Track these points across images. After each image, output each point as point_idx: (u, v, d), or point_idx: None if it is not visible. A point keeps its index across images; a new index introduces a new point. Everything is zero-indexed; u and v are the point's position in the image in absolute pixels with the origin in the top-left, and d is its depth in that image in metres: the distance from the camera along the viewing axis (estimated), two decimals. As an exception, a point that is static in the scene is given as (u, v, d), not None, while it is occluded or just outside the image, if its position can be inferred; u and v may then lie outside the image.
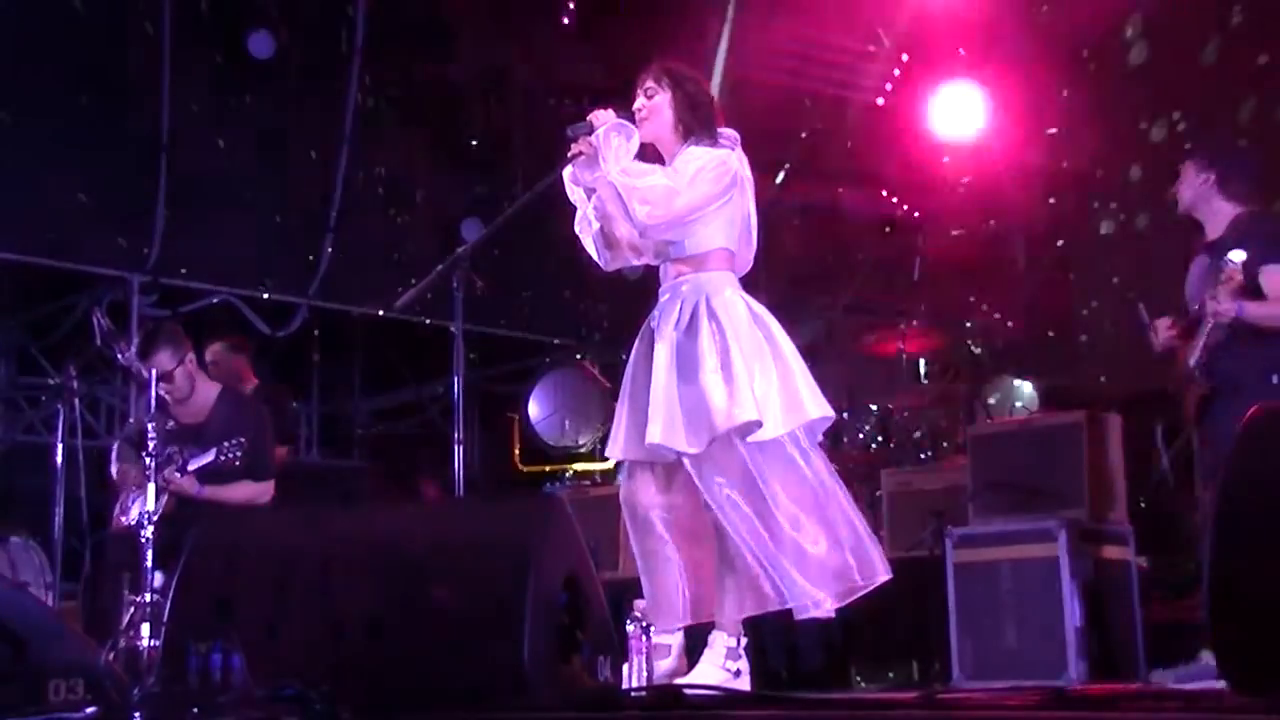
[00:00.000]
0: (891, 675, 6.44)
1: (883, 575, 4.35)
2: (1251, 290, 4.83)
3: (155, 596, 5.28)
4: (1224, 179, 5.05)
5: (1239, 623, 2.84)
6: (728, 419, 4.18)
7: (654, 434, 4.21)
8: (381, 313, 9.49)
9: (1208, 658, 5.03)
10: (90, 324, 6.12)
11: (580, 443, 9.09)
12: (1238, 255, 4.75)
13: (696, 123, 4.41)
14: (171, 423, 5.96)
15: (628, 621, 4.06)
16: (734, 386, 4.19)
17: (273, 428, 6.49)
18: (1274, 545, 2.83)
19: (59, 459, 6.10)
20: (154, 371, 5.74)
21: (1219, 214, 5.05)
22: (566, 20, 9.58)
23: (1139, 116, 8.77)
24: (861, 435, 7.95)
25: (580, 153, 4.40)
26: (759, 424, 4.21)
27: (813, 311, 9.23)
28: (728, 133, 4.46)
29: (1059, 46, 8.90)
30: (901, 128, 9.64)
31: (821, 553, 4.31)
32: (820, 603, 4.32)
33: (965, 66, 9.43)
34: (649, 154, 4.46)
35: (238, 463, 5.71)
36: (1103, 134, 8.95)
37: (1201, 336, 4.94)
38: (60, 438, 6.11)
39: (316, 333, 9.87)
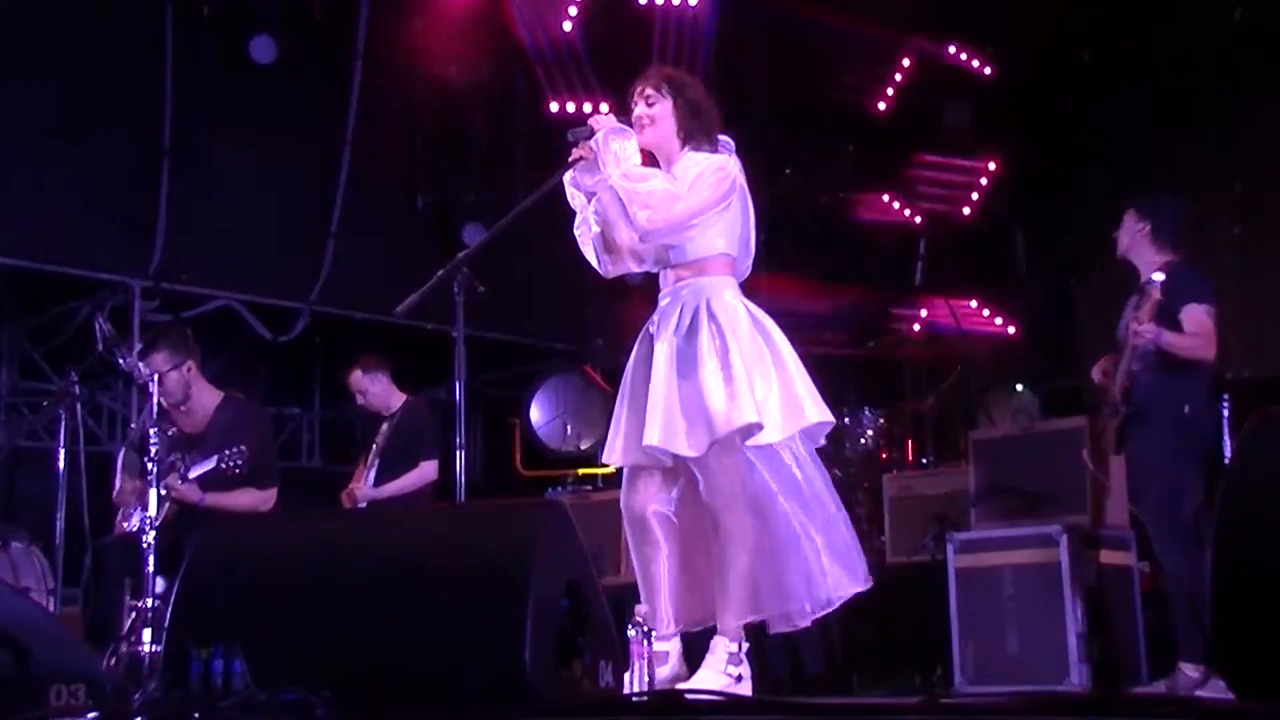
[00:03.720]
0: (893, 680, 6.43)
1: (862, 585, 4.38)
2: (1172, 326, 5.19)
3: (157, 602, 5.28)
4: (1156, 229, 5.42)
5: (1243, 628, 2.84)
6: (727, 422, 4.17)
7: (652, 437, 4.21)
8: (383, 318, 9.47)
9: (1188, 669, 5.06)
10: (92, 329, 6.12)
11: (582, 448, 9.07)
12: (1158, 275, 5.13)
13: (698, 129, 4.42)
14: (173, 430, 5.97)
15: (629, 627, 4.05)
16: (734, 389, 4.19)
17: (429, 438, 7.00)
18: (1276, 549, 2.83)
19: (61, 464, 6.10)
20: (154, 375, 5.75)
21: (1150, 261, 5.38)
22: (568, 27, 9.59)
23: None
24: (863, 440, 7.94)
25: (581, 157, 4.40)
26: (759, 427, 4.21)
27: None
28: (725, 138, 4.46)
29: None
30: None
31: (814, 559, 4.32)
32: (815, 608, 4.35)
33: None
34: (646, 160, 4.46)
35: (239, 470, 5.71)
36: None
37: (1124, 361, 5.28)
38: (62, 443, 6.10)
39: (318, 338, 9.85)
